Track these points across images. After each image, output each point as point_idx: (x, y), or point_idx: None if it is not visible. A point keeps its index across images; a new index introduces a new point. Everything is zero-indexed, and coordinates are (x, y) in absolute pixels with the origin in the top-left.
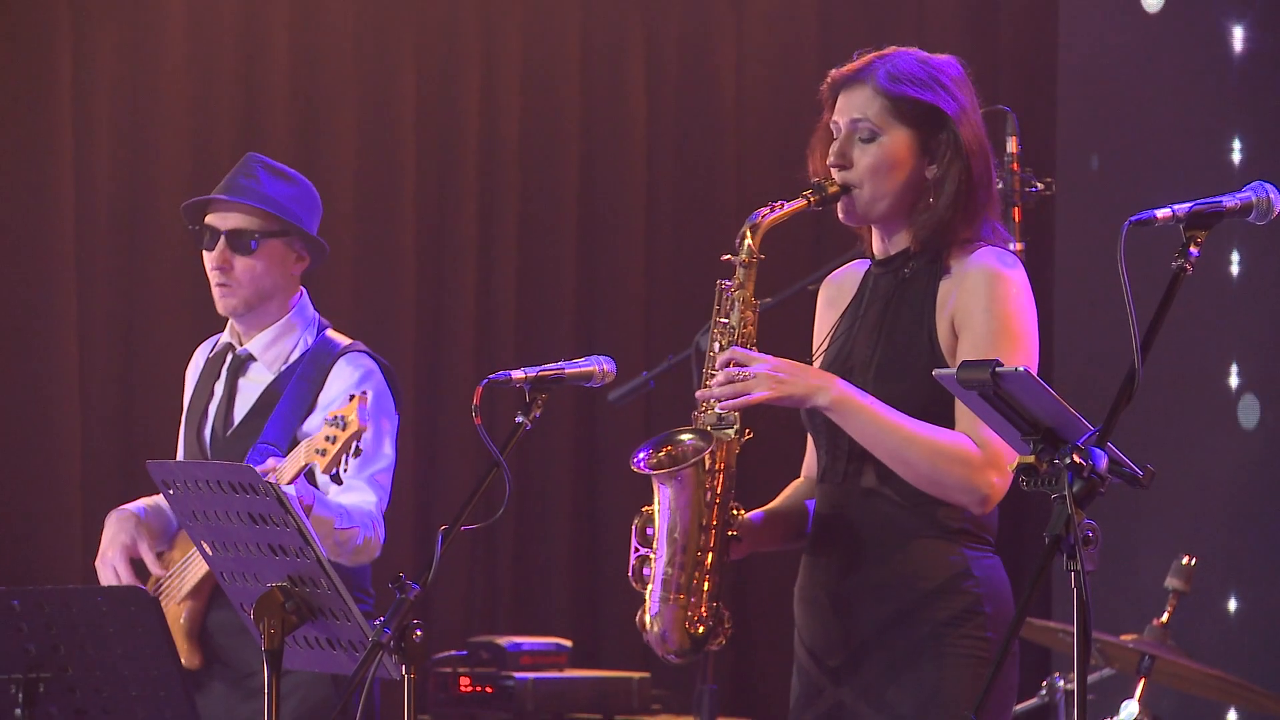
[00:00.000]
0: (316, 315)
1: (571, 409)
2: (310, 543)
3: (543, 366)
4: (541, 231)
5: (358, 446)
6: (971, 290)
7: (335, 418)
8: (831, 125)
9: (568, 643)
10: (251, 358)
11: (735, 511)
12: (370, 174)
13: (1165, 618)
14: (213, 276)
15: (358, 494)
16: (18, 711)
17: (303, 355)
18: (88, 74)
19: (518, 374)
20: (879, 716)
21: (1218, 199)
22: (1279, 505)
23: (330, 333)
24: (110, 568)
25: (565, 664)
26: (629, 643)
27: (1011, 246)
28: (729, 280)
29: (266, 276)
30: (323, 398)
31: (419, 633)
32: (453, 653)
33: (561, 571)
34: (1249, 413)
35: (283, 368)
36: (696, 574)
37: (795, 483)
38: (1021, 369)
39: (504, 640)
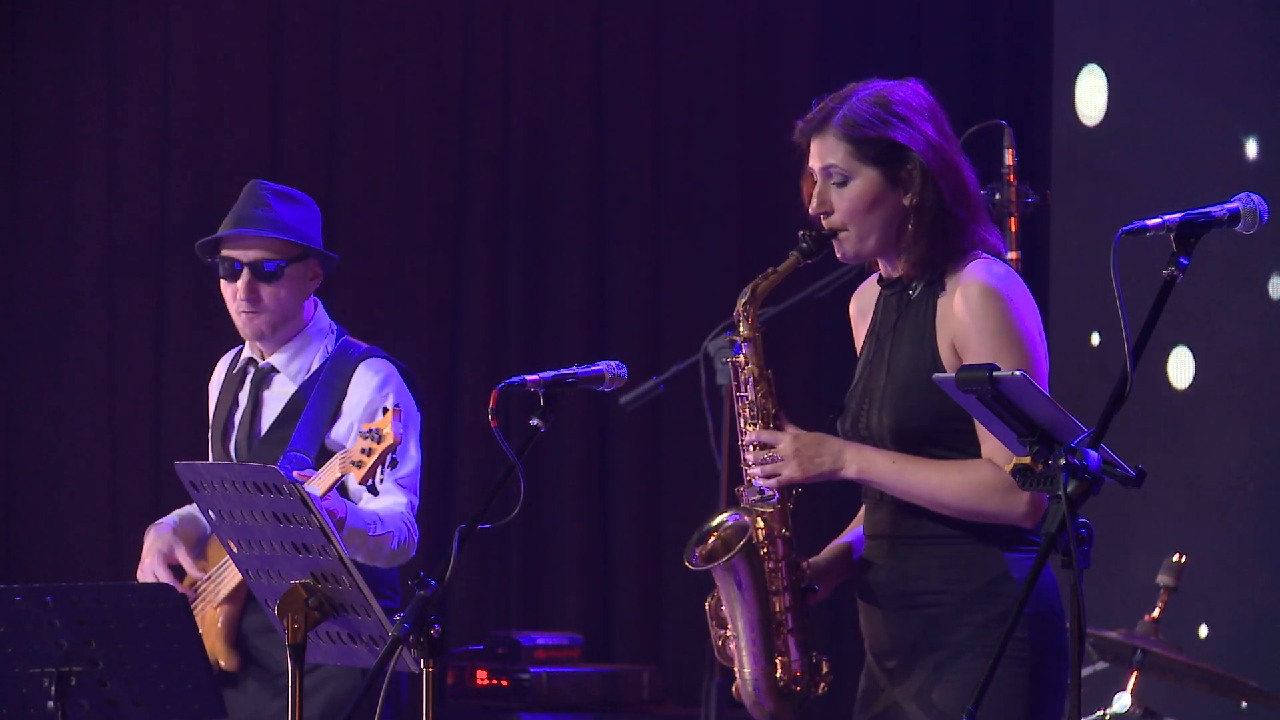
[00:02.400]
0: (333, 323)
1: (584, 412)
2: (332, 540)
3: (556, 371)
4: (553, 237)
5: (393, 458)
6: (966, 309)
7: (370, 430)
8: (810, 170)
9: (581, 637)
10: (274, 370)
11: (805, 567)
12: (385, 179)
13: (1156, 613)
14: (238, 305)
15: (389, 498)
16: (50, 704)
17: (324, 364)
18: (119, 83)
19: (532, 378)
20: (926, 717)
21: (1207, 209)
22: (1267, 504)
23: (348, 339)
24: (150, 574)
25: (579, 658)
26: (640, 637)
27: (1007, 255)
28: (739, 358)
29: (291, 300)
30: (346, 404)
31: (437, 628)
32: (470, 647)
33: (574, 569)
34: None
35: (305, 378)
36: (780, 637)
37: (861, 511)
38: (1019, 373)
39: (520, 635)
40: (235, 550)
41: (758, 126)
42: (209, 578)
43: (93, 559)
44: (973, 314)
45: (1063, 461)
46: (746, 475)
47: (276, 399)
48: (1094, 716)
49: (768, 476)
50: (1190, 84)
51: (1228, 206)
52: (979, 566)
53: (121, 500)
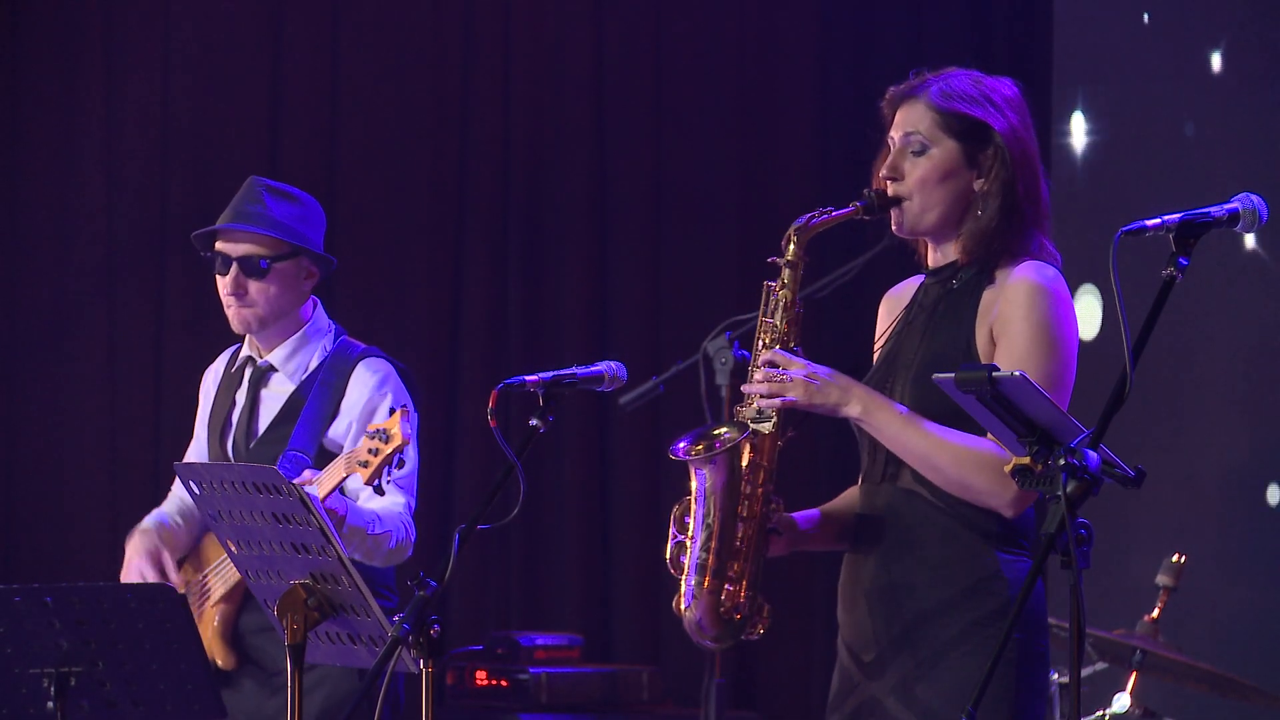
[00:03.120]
0: (332, 323)
1: (583, 413)
2: (331, 541)
3: (555, 371)
4: (553, 237)
5: (400, 459)
6: (1011, 301)
7: (378, 431)
8: (889, 140)
9: (580, 638)
10: (273, 369)
11: (774, 506)
12: (385, 179)
13: (1156, 613)
14: (226, 300)
15: (388, 498)
16: (50, 704)
17: (322, 363)
18: (119, 82)
19: (531, 379)
20: (908, 713)
21: (1206, 210)
22: (1267, 504)
23: (346, 339)
24: (138, 575)
25: (578, 659)
26: (639, 637)
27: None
28: (774, 281)
29: (280, 297)
30: (345, 403)
31: (437, 628)
32: (470, 647)
33: (573, 570)
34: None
35: (304, 377)
36: (733, 563)
37: (852, 487)
38: (1018, 373)
39: (520, 635)
40: (235, 551)
41: (758, 126)
42: (205, 577)
43: (93, 559)
44: (1018, 306)
45: (1062, 462)
46: (749, 391)
47: (275, 398)
48: (1093, 717)
49: (770, 394)
50: (1191, 85)
51: (1227, 207)
52: (971, 564)
53: (121, 500)
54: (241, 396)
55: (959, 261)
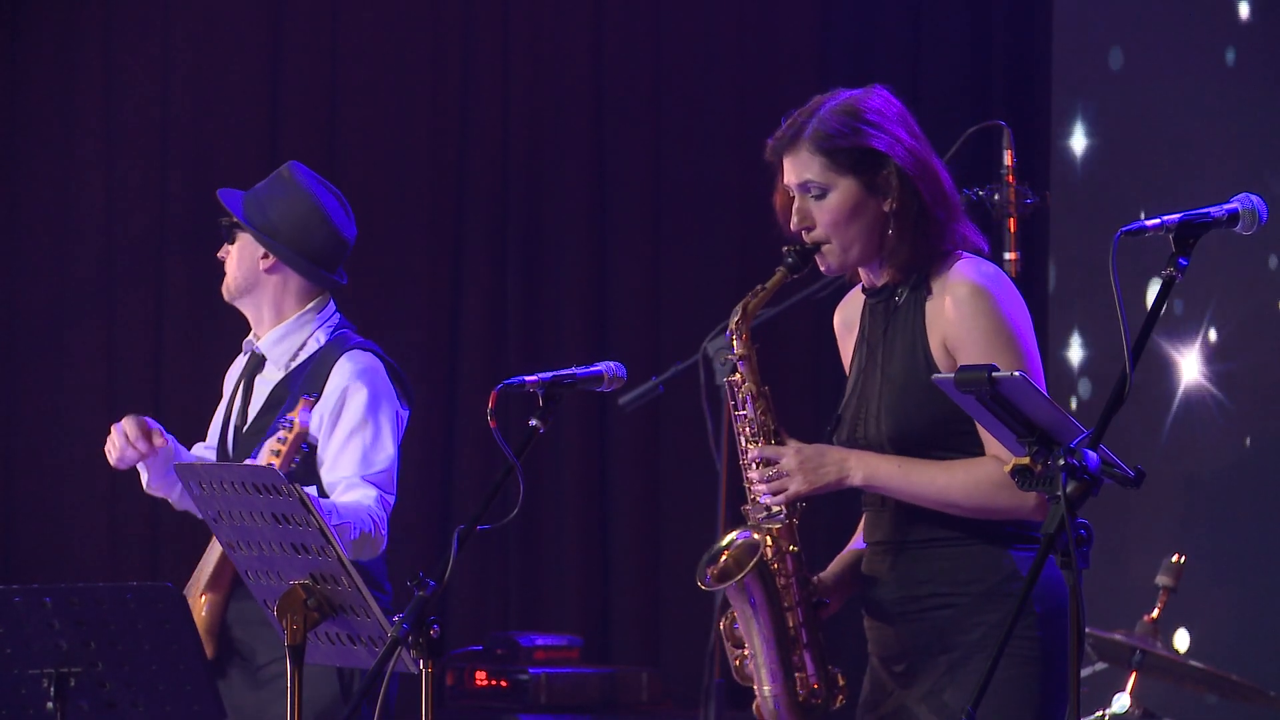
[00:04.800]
0: (341, 317)
1: (583, 413)
2: (331, 541)
3: (555, 371)
4: (553, 237)
5: (305, 446)
6: (957, 310)
7: (287, 420)
8: (785, 188)
9: (580, 638)
10: (264, 357)
11: (815, 581)
12: (384, 179)
13: (1155, 613)
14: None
15: (357, 492)
16: (50, 705)
17: (313, 354)
18: (118, 82)
19: (531, 379)
20: (938, 718)
21: (1205, 210)
22: (1264, 504)
23: (346, 332)
24: (119, 430)
25: (578, 659)
26: (639, 638)
27: (986, 253)
28: (735, 377)
29: (237, 267)
30: (324, 393)
31: (436, 629)
32: (469, 648)
33: (573, 570)
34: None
35: (292, 366)
36: (796, 653)
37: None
38: (1017, 374)
39: (519, 636)
40: (235, 551)
41: (757, 126)
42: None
43: (92, 559)
44: (964, 315)
45: (1061, 462)
46: (751, 493)
47: (264, 385)
48: (1093, 717)
49: (774, 493)
50: (1191, 85)
51: (1226, 207)
52: (988, 566)
53: (121, 500)
54: (241, 385)
55: (891, 281)
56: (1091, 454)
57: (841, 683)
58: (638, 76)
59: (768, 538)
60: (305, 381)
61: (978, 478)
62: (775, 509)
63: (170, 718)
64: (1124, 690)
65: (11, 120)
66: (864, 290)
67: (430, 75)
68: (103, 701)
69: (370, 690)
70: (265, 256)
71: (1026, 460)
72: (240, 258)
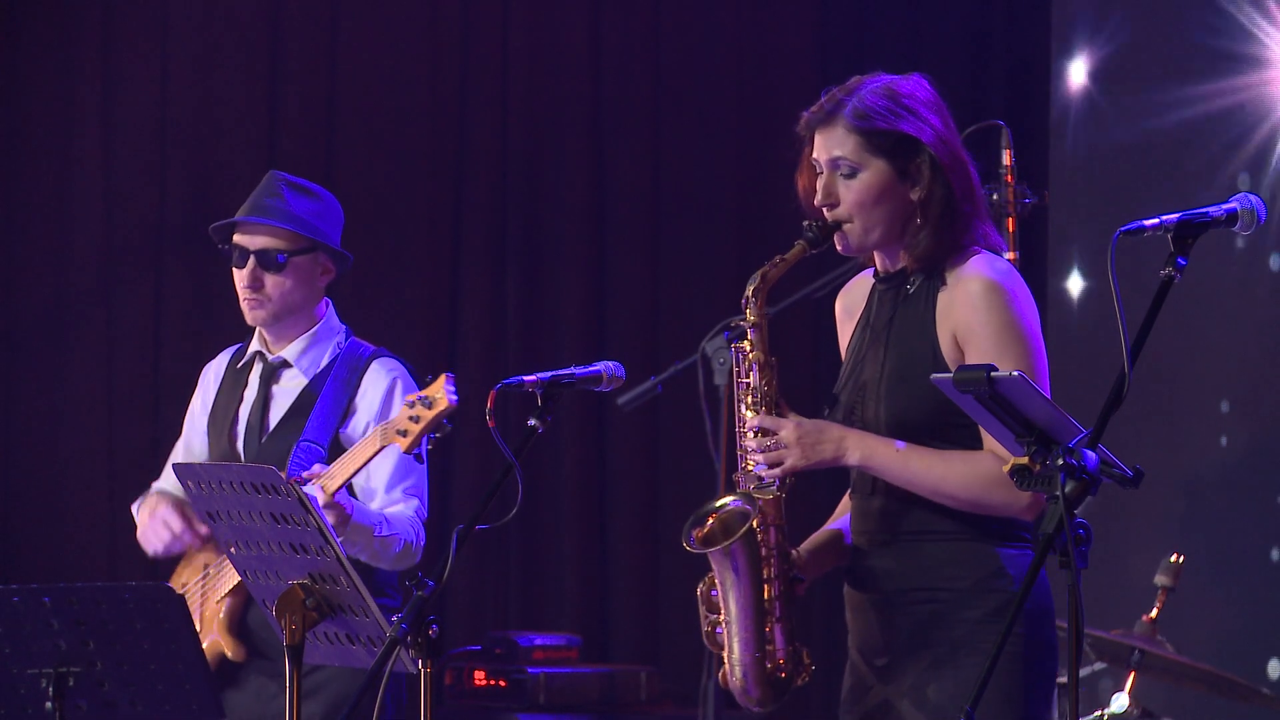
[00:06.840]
0: (343, 324)
1: (582, 413)
2: (330, 541)
3: (554, 371)
4: (552, 238)
5: (446, 424)
6: (969, 303)
7: (419, 398)
8: (813, 162)
9: (579, 638)
10: (285, 364)
11: (795, 557)
12: (383, 180)
13: (1154, 613)
14: (243, 293)
15: (400, 504)
16: (48, 705)
17: (333, 360)
18: (117, 82)
19: (530, 379)
20: (920, 714)
21: (1204, 209)
22: (1266, 504)
23: (355, 339)
24: (160, 520)
25: (576, 659)
26: (638, 638)
27: (1005, 254)
28: (744, 343)
29: (295, 292)
30: (360, 400)
31: (435, 628)
32: (468, 647)
33: (571, 570)
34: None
35: (317, 371)
36: (767, 625)
37: (844, 499)
38: (1016, 373)
39: (518, 635)
40: (233, 551)
41: (756, 127)
42: (209, 573)
43: (91, 559)
44: (977, 309)
45: (1060, 462)
46: (745, 461)
47: (287, 393)
48: (1092, 717)
49: (770, 464)
50: (1191, 85)
51: (1225, 207)
52: (974, 562)
53: (121, 500)
54: (251, 392)
55: (908, 268)
56: (1090, 453)
57: (807, 660)
58: (637, 77)
59: (760, 508)
60: (336, 385)
61: (975, 472)
62: (767, 480)
63: (169, 717)
64: (1123, 690)
65: (11, 120)
66: (875, 274)
67: (429, 75)
68: (101, 701)
69: (370, 691)
70: (325, 271)
71: (1025, 460)
72: (299, 281)
